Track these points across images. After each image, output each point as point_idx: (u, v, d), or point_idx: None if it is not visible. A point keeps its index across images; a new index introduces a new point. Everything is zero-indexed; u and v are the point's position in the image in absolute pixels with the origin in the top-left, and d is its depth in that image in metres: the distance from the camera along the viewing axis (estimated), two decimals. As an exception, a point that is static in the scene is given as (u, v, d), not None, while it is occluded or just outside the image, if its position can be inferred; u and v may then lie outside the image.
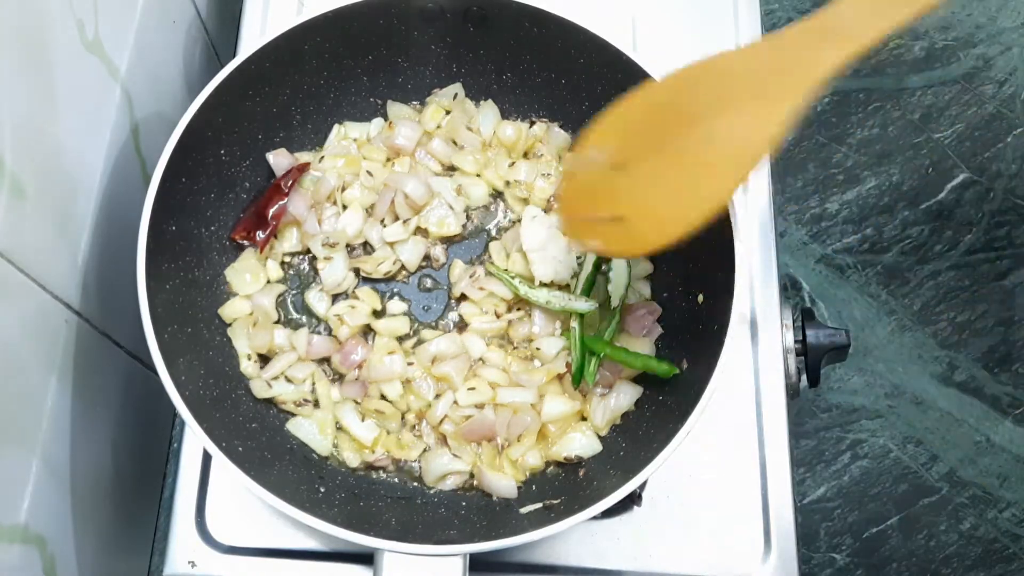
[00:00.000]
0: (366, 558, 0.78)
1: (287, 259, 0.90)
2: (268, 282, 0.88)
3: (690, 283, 0.83)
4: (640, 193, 0.71)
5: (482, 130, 0.93)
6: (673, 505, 0.85)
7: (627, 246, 0.75)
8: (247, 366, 0.83)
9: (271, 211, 0.87)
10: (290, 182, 0.88)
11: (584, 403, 0.83)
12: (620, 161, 0.72)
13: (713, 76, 0.68)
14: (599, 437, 0.82)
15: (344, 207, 0.90)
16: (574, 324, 0.84)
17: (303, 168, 0.89)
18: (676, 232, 0.69)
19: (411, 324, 0.88)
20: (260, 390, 0.83)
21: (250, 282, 0.86)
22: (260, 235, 0.87)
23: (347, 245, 0.89)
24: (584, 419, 0.83)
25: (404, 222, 0.90)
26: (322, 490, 0.78)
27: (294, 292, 0.89)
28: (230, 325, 0.85)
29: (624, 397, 0.82)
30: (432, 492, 0.82)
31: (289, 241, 0.89)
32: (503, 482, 0.79)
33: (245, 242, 0.87)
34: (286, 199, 0.87)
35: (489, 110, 0.93)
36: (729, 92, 0.66)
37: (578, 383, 0.82)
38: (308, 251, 0.89)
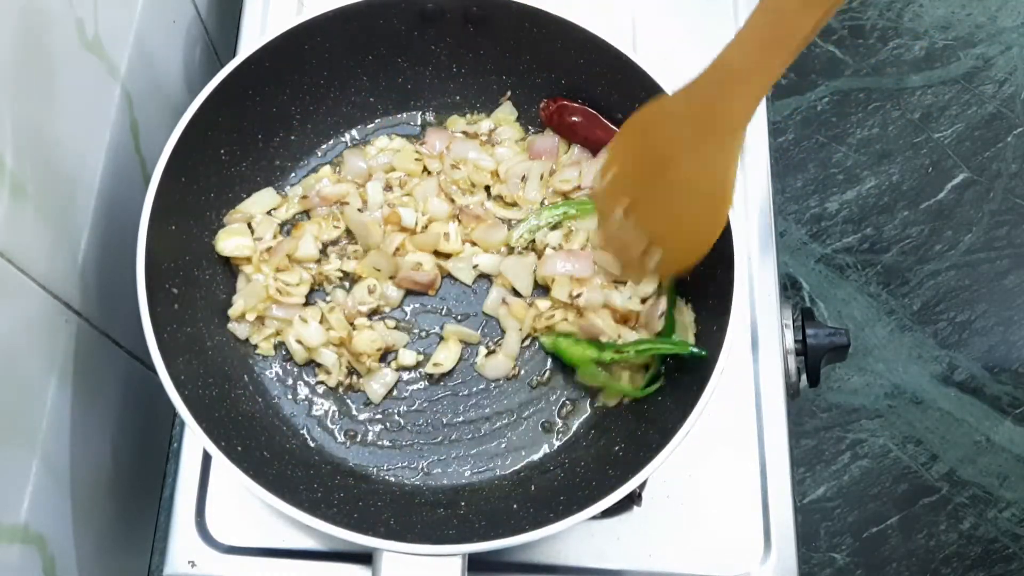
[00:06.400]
0: (365, 558, 0.78)
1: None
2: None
3: (689, 284, 0.83)
4: (654, 231, 0.80)
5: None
6: (673, 505, 0.85)
7: (668, 270, 0.83)
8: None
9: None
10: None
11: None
12: (628, 210, 0.81)
13: (663, 119, 0.75)
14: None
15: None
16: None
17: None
18: (698, 253, 0.77)
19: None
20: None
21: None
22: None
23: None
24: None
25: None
26: (321, 490, 0.78)
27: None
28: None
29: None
30: (430, 491, 0.82)
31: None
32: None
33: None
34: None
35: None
36: (678, 134, 0.73)
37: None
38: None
